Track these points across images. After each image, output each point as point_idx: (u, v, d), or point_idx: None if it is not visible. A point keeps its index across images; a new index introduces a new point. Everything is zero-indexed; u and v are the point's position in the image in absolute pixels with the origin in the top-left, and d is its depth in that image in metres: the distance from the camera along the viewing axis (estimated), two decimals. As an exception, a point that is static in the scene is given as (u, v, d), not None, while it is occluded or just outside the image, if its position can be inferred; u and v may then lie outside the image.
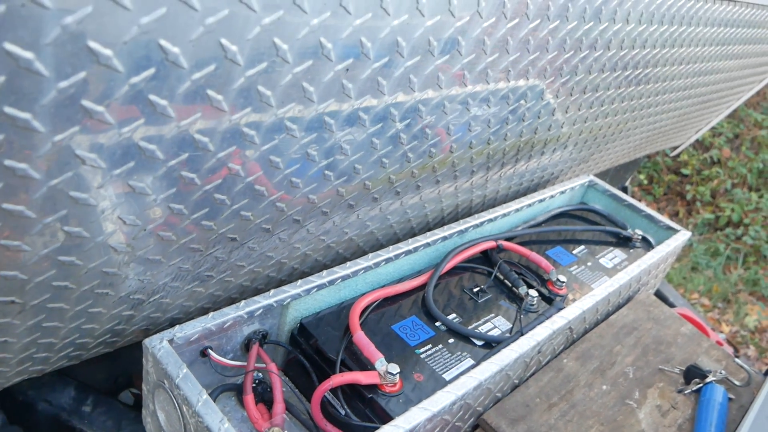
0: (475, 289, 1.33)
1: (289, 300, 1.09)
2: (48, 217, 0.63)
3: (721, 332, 3.59)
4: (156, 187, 0.70)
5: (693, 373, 1.28)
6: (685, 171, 4.95)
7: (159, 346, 0.94)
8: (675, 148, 3.14)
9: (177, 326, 0.98)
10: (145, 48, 0.54)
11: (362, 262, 1.20)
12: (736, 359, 1.38)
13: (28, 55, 0.48)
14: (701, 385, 1.26)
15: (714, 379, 1.26)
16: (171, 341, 0.96)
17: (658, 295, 2.14)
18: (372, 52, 0.75)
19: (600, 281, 1.46)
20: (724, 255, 4.27)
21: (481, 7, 0.82)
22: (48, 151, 0.56)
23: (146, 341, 0.95)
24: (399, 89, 0.85)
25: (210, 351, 1.03)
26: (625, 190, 3.01)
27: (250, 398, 1.01)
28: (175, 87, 0.59)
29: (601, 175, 2.62)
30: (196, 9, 0.54)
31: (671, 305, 2.11)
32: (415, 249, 1.30)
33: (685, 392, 1.25)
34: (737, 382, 1.30)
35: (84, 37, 0.50)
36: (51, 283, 0.74)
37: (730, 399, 1.25)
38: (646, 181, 5.04)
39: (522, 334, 1.15)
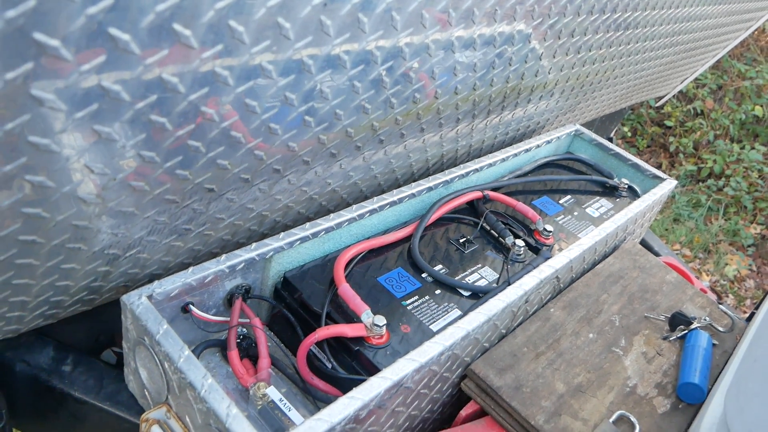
0: (461, 240, 1.31)
1: (271, 253, 1.07)
2: (6, 165, 0.59)
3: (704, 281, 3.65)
4: (124, 133, 0.66)
5: (678, 320, 1.29)
6: (668, 123, 4.95)
7: (138, 303, 0.91)
8: (660, 98, 3.12)
9: (156, 282, 0.94)
10: (101, -27, 0.49)
11: (346, 214, 1.17)
12: (720, 306, 1.39)
13: (-33, -21, 0.43)
14: (686, 331, 1.26)
15: (698, 325, 1.27)
16: (150, 297, 0.93)
17: (644, 244, 2.14)
18: (352, -15, 0.70)
19: (587, 230, 1.45)
20: (705, 206, 4.31)
21: (468, -63, 0.77)
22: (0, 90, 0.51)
23: (124, 297, 0.92)
24: (381, 28, 0.80)
25: (191, 307, 1.01)
26: (610, 140, 2.99)
27: (234, 354, 0.99)
28: (137, 20, 0.54)
29: (587, 126, 2.59)
30: (156, -71, 0.49)
31: (656, 254, 2.12)
32: (400, 200, 1.27)
33: (671, 339, 1.26)
34: (721, 328, 1.30)
35: (30, -41, 0.45)
36: (17, 238, 0.70)
37: (714, 345, 1.26)
38: (630, 134, 5.03)
39: (509, 284, 1.14)
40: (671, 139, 4.87)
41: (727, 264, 3.81)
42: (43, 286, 0.85)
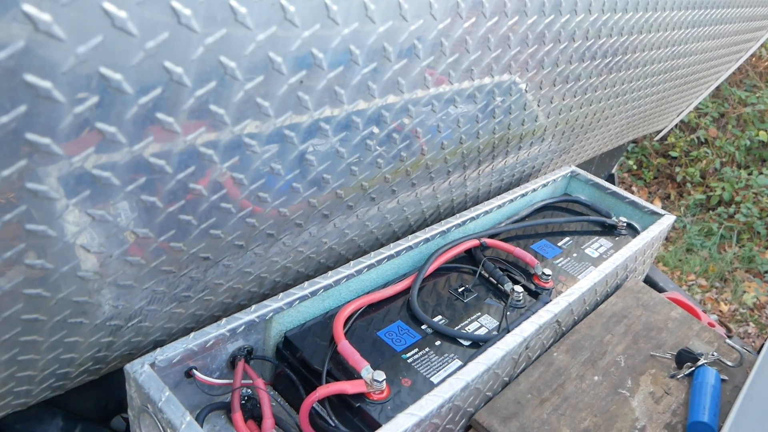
0: (460, 289, 1.32)
1: (271, 314, 1.09)
2: (6, 252, 0.62)
3: (719, 312, 3.59)
4: (116, 214, 0.70)
5: (685, 357, 1.28)
6: (673, 153, 4.96)
7: (140, 371, 0.93)
8: (658, 132, 3.15)
9: (158, 349, 0.97)
10: (86, 77, 0.54)
11: (344, 271, 1.19)
12: (728, 340, 1.38)
13: (-38, 93, 0.48)
14: (693, 368, 1.26)
15: (706, 361, 1.26)
16: (153, 365, 0.95)
17: (648, 280, 2.14)
18: (325, 62, 0.75)
19: (586, 272, 1.46)
20: (718, 234, 4.27)
21: (434, 9, 0.82)
22: (-4, 186, 0.55)
23: (127, 366, 0.94)
24: (359, 96, 0.84)
25: (195, 371, 1.03)
26: (612, 177, 3.01)
27: (238, 416, 1.01)
28: (122, 113, 0.59)
29: (587, 164, 2.62)
30: (134, 34, 0.54)
31: (661, 290, 2.11)
32: (398, 253, 1.29)
33: (678, 377, 1.25)
34: (730, 363, 1.29)
35: (20, 71, 0.49)
36: (20, 317, 0.73)
37: (723, 380, 1.25)
38: (635, 167, 5.04)
39: (508, 332, 1.15)
40: (677, 169, 4.87)
41: (745, 292, 3.75)
42: (49, 360, 0.88)
